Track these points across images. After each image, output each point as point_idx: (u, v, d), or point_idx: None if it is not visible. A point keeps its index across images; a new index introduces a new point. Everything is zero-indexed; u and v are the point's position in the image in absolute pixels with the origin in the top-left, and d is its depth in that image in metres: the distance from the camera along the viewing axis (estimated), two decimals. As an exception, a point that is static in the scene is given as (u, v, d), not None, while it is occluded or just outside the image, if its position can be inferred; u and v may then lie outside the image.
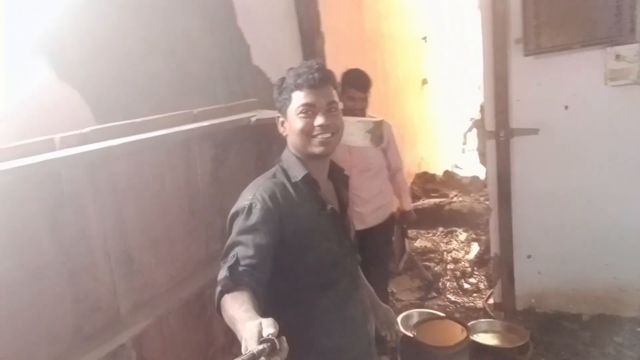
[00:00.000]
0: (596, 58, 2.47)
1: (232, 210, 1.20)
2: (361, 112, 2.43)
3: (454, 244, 3.96)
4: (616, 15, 2.35)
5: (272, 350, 0.76)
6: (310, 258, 1.23)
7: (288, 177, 1.26)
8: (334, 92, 1.26)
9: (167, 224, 1.08)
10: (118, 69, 1.62)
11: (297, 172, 1.25)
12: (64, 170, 1.10)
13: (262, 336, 0.78)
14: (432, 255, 3.77)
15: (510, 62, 2.62)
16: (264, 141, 1.76)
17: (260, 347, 0.76)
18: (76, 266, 1.17)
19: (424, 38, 5.24)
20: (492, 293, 3.12)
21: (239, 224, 1.15)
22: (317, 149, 1.22)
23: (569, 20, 2.43)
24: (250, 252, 1.09)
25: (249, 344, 0.78)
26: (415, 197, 4.37)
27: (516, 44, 2.58)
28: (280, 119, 1.28)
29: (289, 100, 1.23)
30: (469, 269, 3.59)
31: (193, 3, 2.02)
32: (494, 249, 2.94)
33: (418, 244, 3.94)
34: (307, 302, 1.27)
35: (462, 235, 4.09)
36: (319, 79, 1.21)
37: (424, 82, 5.35)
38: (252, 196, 1.17)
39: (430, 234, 4.15)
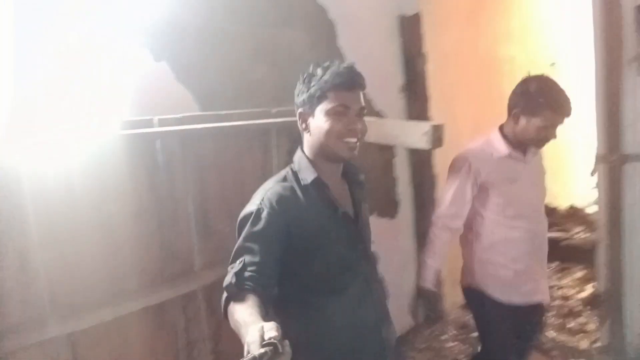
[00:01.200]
0: None
1: (241, 215, 1.20)
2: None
3: (567, 280, 3.65)
4: None
5: (275, 354, 0.76)
6: (318, 263, 1.22)
7: (298, 180, 1.24)
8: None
9: (242, 201, 1.24)
10: (227, 73, 1.94)
11: (307, 175, 1.23)
12: (160, 142, 1.44)
13: (264, 340, 0.79)
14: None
15: (624, 81, 2.43)
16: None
17: (263, 350, 0.76)
18: (163, 219, 1.50)
19: (552, 64, 4.94)
20: (599, 334, 2.83)
21: (246, 229, 1.16)
22: (344, 153, 1.22)
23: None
24: (257, 257, 1.10)
25: (252, 347, 0.78)
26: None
27: (630, 63, 2.40)
28: (302, 115, 1.24)
29: (322, 98, 1.18)
30: (579, 308, 3.28)
31: (299, 20, 2.32)
32: (602, 285, 2.68)
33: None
34: (316, 306, 1.25)
35: (579, 273, 3.75)
36: (358, 82, 1.21)
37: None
38: (259, 201, 1.17)
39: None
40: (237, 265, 1.09)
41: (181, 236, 1.55)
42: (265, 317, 0.94)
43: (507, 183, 1.78)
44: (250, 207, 1.18)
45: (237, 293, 1.04)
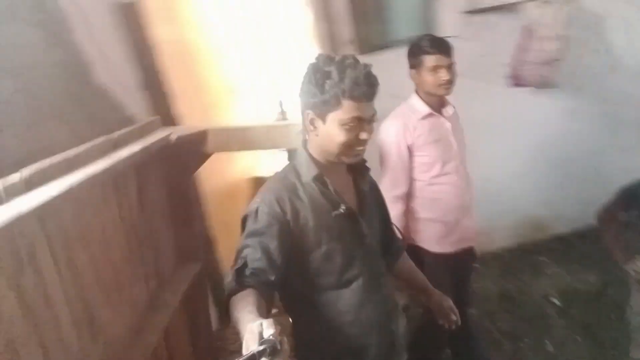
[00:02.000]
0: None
1: (243, 213, 1.20)
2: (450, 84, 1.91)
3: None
4: (422, 17, 2.86)
5: (273, 350, 0.76)
6: (321, 259, 1.21)
7: (299, 177, 1.23)
8: None
9: (115, 269, 0.93)
10: None
11: (309, 172, 1.22)
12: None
13: (262, 337, 0.78)
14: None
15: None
16: (183, 159, 1.63)
17: (261, 347, 0.76)
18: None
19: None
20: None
21: (247, 228, 1.16)
22: (350, 160, 1.21)
23: (393, 21, 2.85)
24: (258, 254, 1.09)
25: (250, 344, 0.78)
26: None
27: (350, 44, 2.91)
28: (311, 117, 1.17)
29: (337, 106, 1.12)
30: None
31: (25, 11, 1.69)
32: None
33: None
34: (322, 302, 1.25)
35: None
36: (376, 92, 1.16)
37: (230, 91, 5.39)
38: (260, 199, 1.18)
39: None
40: (238, 263, 1.09)
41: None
42: (266, 314, 0.95)
43: (431, 143, 1.89)
44: (252, 205, 1.18)
45: (238, 290, 1.02)
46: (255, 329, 0.80)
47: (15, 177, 0.95)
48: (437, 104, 1.94)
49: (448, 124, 1.96)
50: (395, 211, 1.86)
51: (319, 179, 1.22)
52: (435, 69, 1.83)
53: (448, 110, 1.97)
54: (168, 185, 1.60)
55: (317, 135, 1.19)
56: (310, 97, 1.15)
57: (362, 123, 1.15)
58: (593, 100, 3.16)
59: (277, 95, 6.44)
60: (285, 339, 0.80)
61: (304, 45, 5.39)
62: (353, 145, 1.16)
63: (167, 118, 2.61)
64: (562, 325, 2.65)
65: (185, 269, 1.72)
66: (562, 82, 2.92)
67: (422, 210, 1.98)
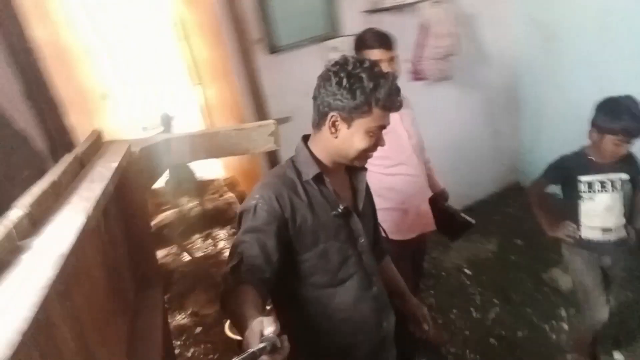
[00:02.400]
0: (317, 51, 3.00)
1: (240, 208, 1.19)
2: None
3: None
4: (327, 16, 2.91)
5: (273, 348, 0.76)
6: (317, 257, 1.21)
7: (299, 174, 1.22)
8: None
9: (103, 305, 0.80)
10: None
11: (309, 170, 1.22)
12: None
13: (263, 334, 0.78)
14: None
15: (257, 60, 2.85)
16: (145, 174, 1.42)
17: (261, 345, 0.76)
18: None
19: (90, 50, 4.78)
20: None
21: (244, 224, 1.15)
22: (360, 164, 1.24)
23: (298, 20, 2.85)
24: (255, 251, 1.09)
25: (250, 342, 0.78)
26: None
27: (258, 43, 2.83)
28: (335, 119, 1.16)
29: (366, 112, 1.14)
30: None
31: None
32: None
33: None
34: (316, 301, 1.26)
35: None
36: (402, 104, 1.19)
37: (103, 97, 4.93)
38: (259, 196, 1.16)
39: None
40: (235, 259, 1.07)
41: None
42: (263, 311, 0.94)
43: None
44: (249, 201, 1.16)
45: (235, 287, 1.01)
46: (255, 326, 0.79)
47: (18, 213, 0.73)
48: None
49: (396, 116, 1.99)
50: None
51: (319, 179, 1.22)
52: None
53: None
54: (125, 204, 1.38)
55: (336, 138, 1.19)
56: (339, 99, 1.14)
57: (381, 130, 1.20)
58: (471, 90, 3.55)
59: (150, 101, 6.02)
60: (285, 336, 0.79)
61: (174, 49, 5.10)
62: (370, 151, 1.21)
63: (59, 130, 2.26)
64: (480, 292, 2.95)
65: (147, 295, 1.52)
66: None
67: (381, 200, 2.01)
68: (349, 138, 1.18)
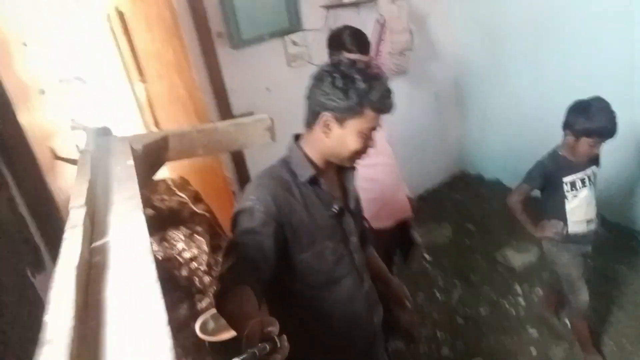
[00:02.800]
0: (279, 45, 3.00)
1: (234, 210, 1.18)
2: None
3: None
4: (287, 11, 2.91)
5: (273, 348, 0.77)
6: (313, 258, 1.22)
7: (293, 175, 1.22)
8: None
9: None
10: None
11: (304, 172, 1.22)
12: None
13: (262, 334, 0.79)
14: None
15: (219, 55, 2.78)
16: (146, 173, 1.35)
17: (261, 345, 0.76)
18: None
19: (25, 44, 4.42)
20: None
21: (239, 225, 1.14)
22: (351, 164, 1.27)
23: (259, 15, 2.82)
24: (251, 252, 1.09)
25: (250, 342, 0.78)
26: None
27: (219, 37, 2.76)
28: (327, 119, 1.16)
29: (359, 114, 1.14)
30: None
31: None
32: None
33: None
34: (311, 300, 1.27)
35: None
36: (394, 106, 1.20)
37: (41, 92, 4.57)
38: (254, 197, 1.15)
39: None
40: (231, 260, 1.07)
41: None
42: (261, 311, 0.97)
43: None
44: (245, 202, 1.16)
45: (231, 288, 1.01)
46: (255, 326, 0.79)
47: (80, 214, 0.69)
48: None
49: None
50: None
51: (314, 180, 1.23)
52: None
53: None
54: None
55: (328, 138, 1.20)
56: (332, 100, 1.14)
57: (373, 132, 1.21)
58: (421, 85, 3.72)
59: (86, 98, 5.67)
60: (284, 336, 0.80)
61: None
62: (361, 152, 1.22)
63: (13, 130, 2.08)
64: (441, 275, 3.11)
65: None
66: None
67: (363, 191, 2.07)
68: (341, 138, 1.18)
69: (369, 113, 1.15)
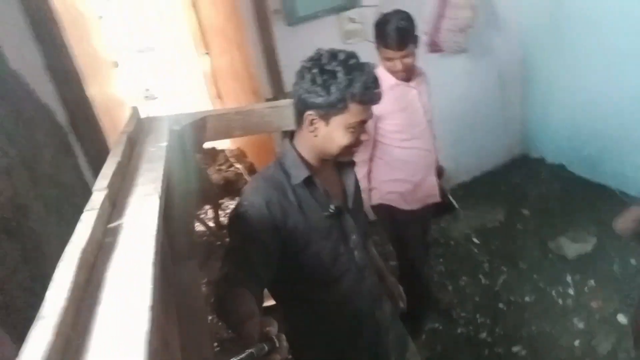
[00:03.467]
0: (335, 22, 3.00)
1: (230, 214, 1.18)
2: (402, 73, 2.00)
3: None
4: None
5: (272, 348, 0.77)
6: (309, 259, 1.22)
7: (288, 177, 1.20)
8: None
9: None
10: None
11: (298, 173, 1.19)
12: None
13: (261, 335, 0.79)
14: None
15: (275, 31, 2.85)
16: (185, 153, 1.46)
17: (260, 345, 0.76)
18: None
19: (100, 17, 4.75)
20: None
21: (235, 230, 1.14)
22: (346, 159, 1.24)
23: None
24: (247, 258, 1.07)
25: (249, 342, 0.78)
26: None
27: (275, 14, 2.82)
28: (312, 118, 1.13)
29: (344, 109, 1.10)
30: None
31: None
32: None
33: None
34: (311, 300, 1.28)
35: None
36: (381, 96, 1.15)
37: (115, 64, 4.90)
38: (247, 203, 1.14)
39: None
40: (227, 266, 1.05)
41: None
42: (260, 312, 0.94)
43: (398, 111, 2.01)
44: (239, 207, 1.15)
45: (229, 292, 0.99)
46: (253, 327, 0.80)
47: (100, 197, 0.79)
48: (403, 75, 2.03)
49: (414, 92, 2.07)
50: (360, 174, 1.97)
51: (309, 181, 1.21)
52: (389, 59, 1.96)
53: (416, 78, 2.09)
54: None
55: (316, 136, 1.17)
56: (313, 97, 1.11)
57: (364, 124, 1.17)
58: (482, 62, 3.57)
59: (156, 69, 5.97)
60: (283, 336, 0.80)
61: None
62: (354, 146, 1.18)
63: (79, 102, 2.29)
64: (488, 259, 3.07)
65: (184, 270, 1.59)
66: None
67: (392, 171, 2.14)
68: (328, 136, 1.15)
69: (353, 107, 1.11)
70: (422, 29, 3.07)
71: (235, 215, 1.14)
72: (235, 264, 1.05)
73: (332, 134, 1.14)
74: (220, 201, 4.13)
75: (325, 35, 2.99)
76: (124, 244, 0.76)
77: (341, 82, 1.07)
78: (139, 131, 1.33)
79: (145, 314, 0.59)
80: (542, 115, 3.79)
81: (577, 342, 2.38)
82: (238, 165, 4.49)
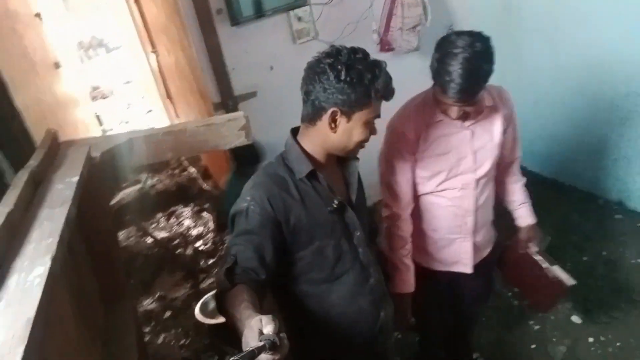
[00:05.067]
0: (282, 21, 2.86)
1: (232, 210, 1.17)
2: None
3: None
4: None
5: (272, 347, 0.77)
6: (312, 255, 1.21)
7: (291, 172, 1.20)
8: None
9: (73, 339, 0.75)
10: None
11: (302, 168, 1.19)
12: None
13: (262, 333, 0.79)
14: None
15: (219, 32, 2.69)
16: (106, 182, 1.31)
17: (261, 343, 0.76)
18: None
19: (37, 15, 4.43)
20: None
21: (237, 226, 1.14)
22: (356, 153, 1.24)
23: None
24: (249, 254, 1.08)
25: (249, 340, 0.78)
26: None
27: (218, 14, 2.66)
28: (335, 114, 1.13)
29: (366, 105, 1.13)
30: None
31: None
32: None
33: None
34: (312, 296, 1.27)
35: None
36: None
37: (57, 65, 4.60)
38: (250, 197, 1.14)
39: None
40: (229, 262, 1.06)
41: None
42: (260, 310, 0.94)
43: (435, 156, 1.52)
44: (241, 203, 1.15)
45: (230, 288, 1.01)
46: (254, 325, 0.79)
47: None
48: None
49: (466, 133, 1.52)
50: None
51: (312, 175, 1.20)
52: (445, 103, 1.44)
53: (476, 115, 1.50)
54: (88, 217, 1.28)
55: (334, 133, 1.16)
56: (338, 94, 1.11)
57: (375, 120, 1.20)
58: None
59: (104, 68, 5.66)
60: (284, 334, 0.79)
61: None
62: (365, 141, 1.20)
63: (8, 114, 2.08)
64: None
65: (117, 311, 1.44)
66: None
67: (413, 217, 1.67)
68: (347, 132, 1.16)
69: (374, 102, 1.14)
70: (373, 28, 2.98)
71: (238, 211, 1.15)
72: (236, 260, 1.06)
73: (352, 130, 1.16)
74: (173, 208, 3.95)
75: (273, 36, 2.86)
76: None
77: (366, 79, 1.09)
78: (47, 163, 1.17)
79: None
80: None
81: (533, 346, 2.37)
82: (192, 170, 4.31)
